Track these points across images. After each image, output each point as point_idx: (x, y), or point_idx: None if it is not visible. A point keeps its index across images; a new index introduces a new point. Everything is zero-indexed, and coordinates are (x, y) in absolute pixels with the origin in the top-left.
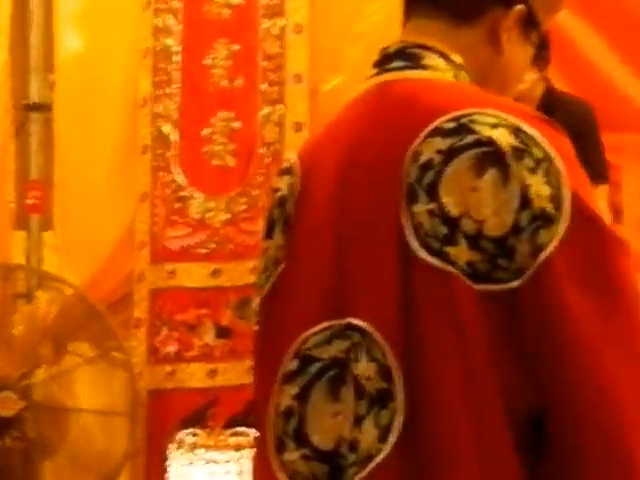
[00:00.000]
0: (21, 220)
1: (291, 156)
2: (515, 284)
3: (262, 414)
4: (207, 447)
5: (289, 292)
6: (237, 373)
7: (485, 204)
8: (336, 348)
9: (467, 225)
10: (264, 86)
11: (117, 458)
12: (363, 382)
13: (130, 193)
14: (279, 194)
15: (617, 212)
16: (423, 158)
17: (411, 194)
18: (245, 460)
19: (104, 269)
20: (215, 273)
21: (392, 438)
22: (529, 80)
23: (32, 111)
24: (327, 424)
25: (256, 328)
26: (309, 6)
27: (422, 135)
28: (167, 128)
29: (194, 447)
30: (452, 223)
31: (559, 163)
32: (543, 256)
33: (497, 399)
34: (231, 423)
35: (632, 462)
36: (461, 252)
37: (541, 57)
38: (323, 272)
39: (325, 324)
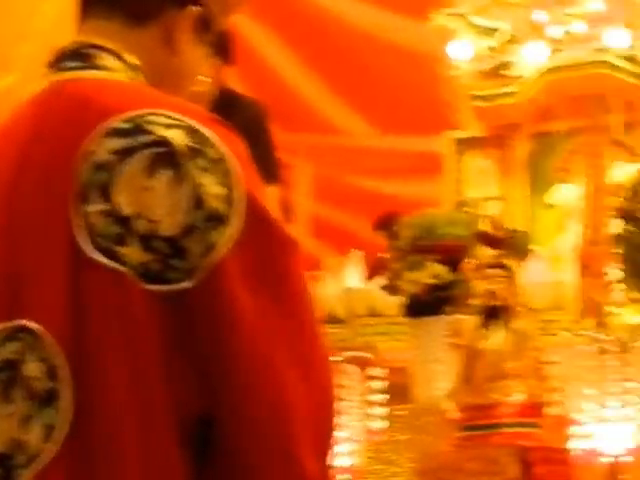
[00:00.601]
0: None
1: None
2: (186, 285)
3: None
4: None
5: None
6: None
7: (158, 204)
8: (8, 350)
9: (140, 225)
10: None
11: None
12: (32, 382)
13: None
14: None
15: (288, 211)
16: (97, 158)
17: (83, 194)
18: None
19: None
20: None
21: (57, 438)
22: (202, 81)
23: None
24: (0, 427)
25: None
26: None
27: (95, 135)
28: None
29: None
30: (124, 223)
31: (233, 164)
32: (215, 257)
33: (166, 399)
34: None
35: (304, 471)
36: (133, 252)
37: (217, 58)
38: None
39: None
